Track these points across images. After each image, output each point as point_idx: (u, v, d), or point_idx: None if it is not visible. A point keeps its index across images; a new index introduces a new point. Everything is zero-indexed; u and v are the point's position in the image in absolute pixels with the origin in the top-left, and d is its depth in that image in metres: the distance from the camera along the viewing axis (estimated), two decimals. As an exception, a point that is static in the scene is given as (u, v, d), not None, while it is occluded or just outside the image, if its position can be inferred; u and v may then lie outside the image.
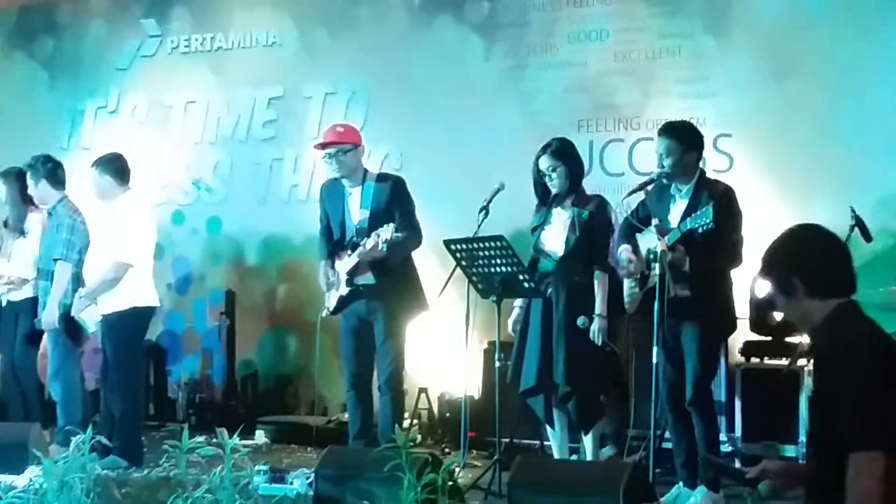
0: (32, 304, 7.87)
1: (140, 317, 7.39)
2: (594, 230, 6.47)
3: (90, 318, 7.40)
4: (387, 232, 6.74)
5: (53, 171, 7.76)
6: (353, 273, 7.05)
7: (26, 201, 8.00)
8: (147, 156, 10.02)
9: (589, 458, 6.53)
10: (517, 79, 9.05)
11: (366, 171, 7.28)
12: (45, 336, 7.87)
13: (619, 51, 8.71)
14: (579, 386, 6.42)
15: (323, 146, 7.19)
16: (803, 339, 7.31)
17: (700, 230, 5.91)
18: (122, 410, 7.33)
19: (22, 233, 8.03)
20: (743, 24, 8.37)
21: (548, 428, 6.69)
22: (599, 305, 6.38)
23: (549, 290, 6.45)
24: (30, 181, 7.76)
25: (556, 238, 6.53)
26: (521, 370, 6.56)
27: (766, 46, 8.28)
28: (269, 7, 9.99)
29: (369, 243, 6.82)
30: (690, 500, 6.18)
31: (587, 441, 6.57)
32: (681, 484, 6.31)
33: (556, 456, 6.69)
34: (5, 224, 8.20)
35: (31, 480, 5.96)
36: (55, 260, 7.66)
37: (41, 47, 10.79)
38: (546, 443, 7.02)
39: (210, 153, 10.12)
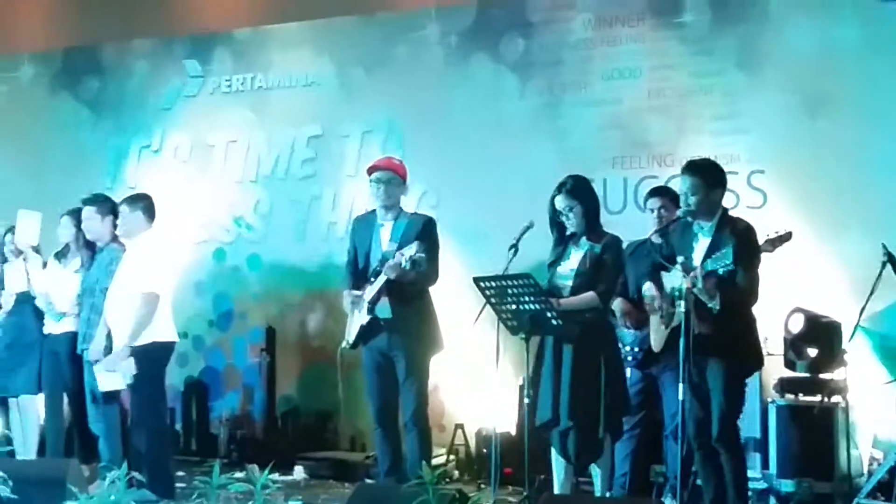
0: (71, 339, 7.91)
1: (159, 351, 7.39)
2: (603, 265, 6.44)
3: (129, 370, 7.27)
4: (410, 249, 6.83)
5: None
6: (375, 300, 7.11)
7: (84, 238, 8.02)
8: (189, 194, 10.23)
9: (598, 493, 6.48)
10: (552, 116, 9.11)
11: (401, 209, 7.38)
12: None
13: (653, 88, 8.75)
14: (579, 421, 6.37)
15: (373, 170, 7.30)
16: (836, 377, 7.32)
17: (720, 271, 5.91)
18: (147, 445, 7.36)
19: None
20: (775, 61, 8.38)
21: (554, 463, 6.64)
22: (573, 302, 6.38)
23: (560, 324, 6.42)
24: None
25: (570, 273, 6.54)
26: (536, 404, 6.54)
27: (798, 82, 8.28)
28: (308, 47, 10.12)
29: (393, 261, 6.91)
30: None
31: (596, 474, 6.50)
32: (711, 522, 6.30)
33: (556, 491, 6.62)
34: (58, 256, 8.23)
35: (66, 517, 6.04)
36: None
37: (86, 88, 10.97)
38: (581, 479, 6.96)
39: (251, 191, 10.25)
